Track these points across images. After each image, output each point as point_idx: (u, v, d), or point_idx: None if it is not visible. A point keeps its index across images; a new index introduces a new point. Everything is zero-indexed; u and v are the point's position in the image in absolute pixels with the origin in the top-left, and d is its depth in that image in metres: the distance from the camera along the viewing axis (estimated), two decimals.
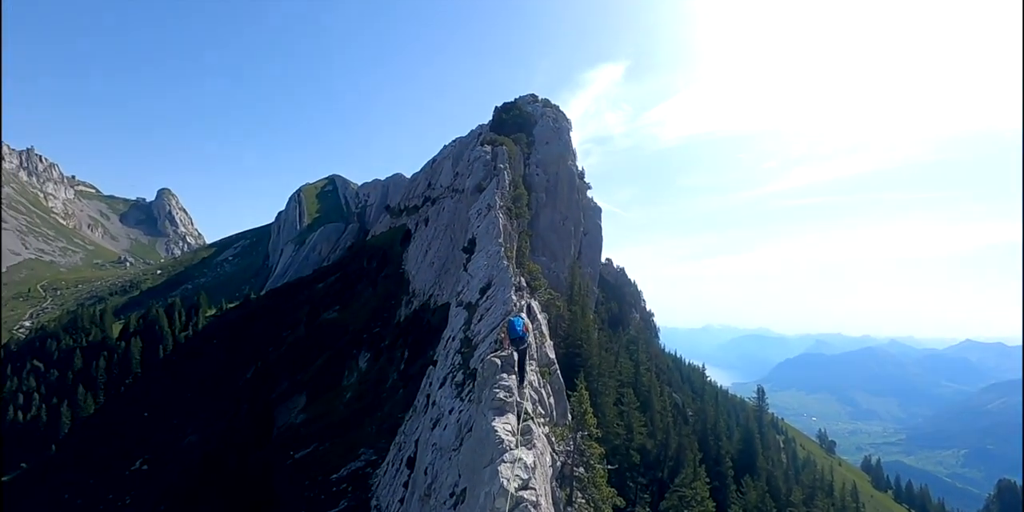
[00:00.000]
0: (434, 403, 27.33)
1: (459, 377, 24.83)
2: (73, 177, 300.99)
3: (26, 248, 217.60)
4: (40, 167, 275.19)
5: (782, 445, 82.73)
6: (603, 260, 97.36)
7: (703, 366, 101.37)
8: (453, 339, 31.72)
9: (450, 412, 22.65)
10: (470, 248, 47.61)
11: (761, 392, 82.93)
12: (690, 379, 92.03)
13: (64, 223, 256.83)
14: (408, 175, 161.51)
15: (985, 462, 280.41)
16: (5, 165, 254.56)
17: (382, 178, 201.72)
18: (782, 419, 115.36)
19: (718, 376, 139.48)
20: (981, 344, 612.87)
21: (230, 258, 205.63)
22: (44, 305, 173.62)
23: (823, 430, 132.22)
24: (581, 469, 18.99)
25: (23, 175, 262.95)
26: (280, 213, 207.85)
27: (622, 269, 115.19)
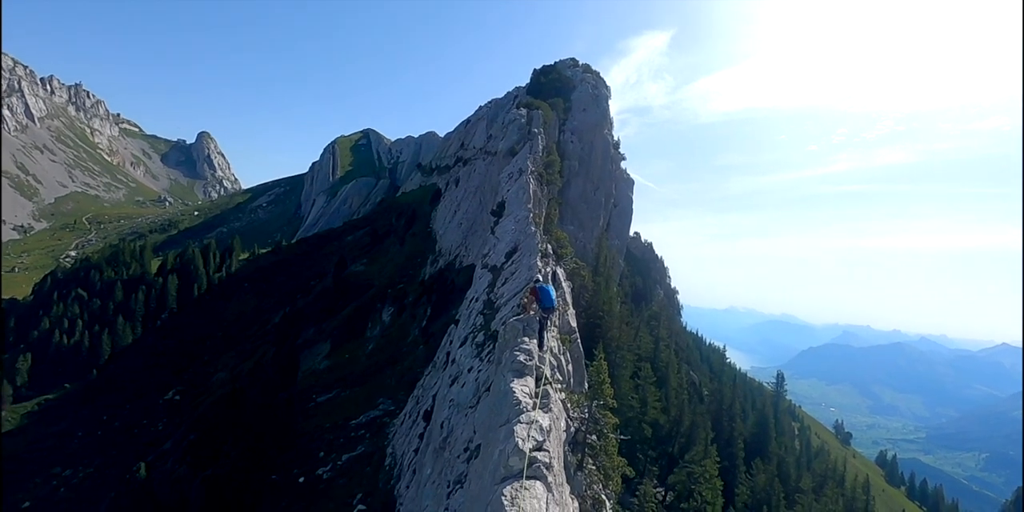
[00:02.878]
0: (454, 361, 27.61)
1: (480, 338, 24.91)
2: (118, 115, 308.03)
3: (72, 181, 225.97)
4: (88, 103, 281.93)
5: (797, 432, 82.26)
6: (631, 233, 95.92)
7: (724, 347, 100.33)
8: (476, 300, 31.76)
9: (469, 370, 22.81)
10: (499, 211, 47.12)
11: (780, 377, 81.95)
12: (709, 359, 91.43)
13: (109, 159, 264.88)
14: (441, 134, 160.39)
15: (1006, 468, 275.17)
16: (55, 99, 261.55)
17: (415, 135, 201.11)
18: (799, 406, 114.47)
19: (738, 359, 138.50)
20: (1018, 349, 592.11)
21: (264, 205, 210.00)
22: (89, 237, 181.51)
23: (840, 421, 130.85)
24: (594, 437, 19.01)
25: (71, 110, 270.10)
26: (314, 163, 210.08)
27: (650, 244, 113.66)
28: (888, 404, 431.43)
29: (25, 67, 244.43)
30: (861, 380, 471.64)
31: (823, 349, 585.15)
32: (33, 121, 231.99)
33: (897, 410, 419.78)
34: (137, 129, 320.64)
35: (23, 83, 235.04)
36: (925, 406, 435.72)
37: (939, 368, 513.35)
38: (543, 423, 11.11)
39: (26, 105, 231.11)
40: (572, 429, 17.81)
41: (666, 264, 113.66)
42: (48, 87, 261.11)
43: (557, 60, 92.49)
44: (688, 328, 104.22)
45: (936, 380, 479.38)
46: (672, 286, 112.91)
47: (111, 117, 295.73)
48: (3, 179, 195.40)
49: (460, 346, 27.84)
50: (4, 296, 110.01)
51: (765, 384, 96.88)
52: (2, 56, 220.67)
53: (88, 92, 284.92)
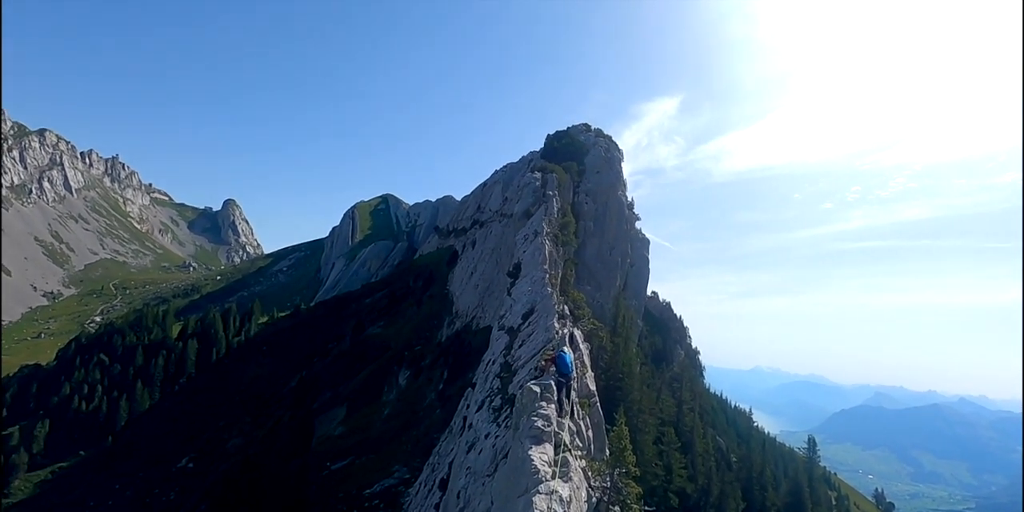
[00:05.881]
0: (470, 426, 27.33)
1: (497, 402, 24.81)
2: (150, 185, 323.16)
3: (103, 248, 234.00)
4: (123, 174, 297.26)
5: (834, 502, 77.31)
6: (649, 293, 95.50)
7: (750, 410, 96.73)
8: (493, 363, 31.80)
9: (486, 436, 22.59)
10: (515, 273, 47.87)
11: (812, 442, 78.21)
12: (735, 423, 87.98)
13: (139, 227, 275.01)
14: (458, 198, 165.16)
15: None
16: (93, 171, 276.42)
17: (433, 199, 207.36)
18: (835, 473, 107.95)
19: (766, 422, 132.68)
20: None
21: (284, 269, 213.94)
22: (114, 302, 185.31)
23: (880, 490, 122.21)
24: (617, 508, 18.44)
25: (107, 181, 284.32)
26: (334, 228, 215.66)
27: (668, 303, 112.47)
28: (930, 471, 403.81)
29: (68, 142, 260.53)
30: (899, 445, 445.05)
31: (856, 411, 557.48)
32: (71, 192, 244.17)
33: (941, 477, 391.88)
34: (167, 198, 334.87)
35: (64, 157, 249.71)
36: (971, 473, 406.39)
37: (982, 431, 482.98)
38: (563, 494, 11.10)
39: (65, 177, 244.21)
40: (593, 500, 17.38)
41: (686, 323, 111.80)
42: (87, 160, 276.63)
43: (570, 125, 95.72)
44: (712, 390, 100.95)
45: (980, 444, 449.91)
46: (693, 346, 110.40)
47: (143, 187, 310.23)
48: (37, 246, 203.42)
49: (477, 411, 27.65)
50: (30, 362, 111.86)
51: (796, 449, 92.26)
52: (3, 120, 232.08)
53: (123, 164, 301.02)
